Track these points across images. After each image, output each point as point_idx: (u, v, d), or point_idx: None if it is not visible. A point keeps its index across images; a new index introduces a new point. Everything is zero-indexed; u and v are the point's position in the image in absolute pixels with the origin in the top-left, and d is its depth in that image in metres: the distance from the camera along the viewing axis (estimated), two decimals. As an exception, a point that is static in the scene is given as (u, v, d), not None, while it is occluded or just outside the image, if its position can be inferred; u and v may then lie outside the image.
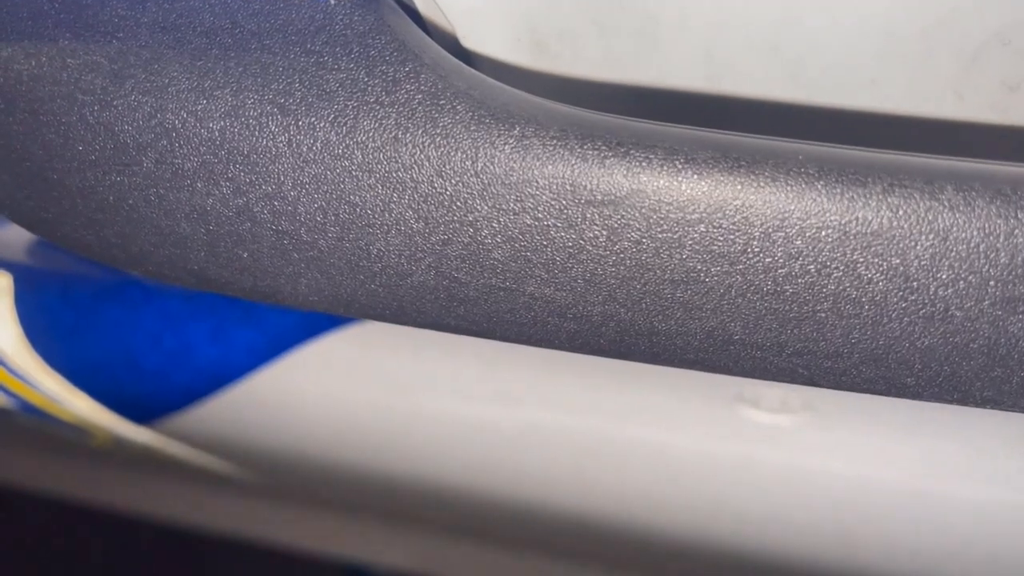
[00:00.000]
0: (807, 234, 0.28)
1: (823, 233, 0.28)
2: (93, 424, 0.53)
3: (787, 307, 0.29)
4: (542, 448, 0.47)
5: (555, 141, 0.29)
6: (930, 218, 0.28)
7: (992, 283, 0.28)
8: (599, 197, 0.29)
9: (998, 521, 0.42)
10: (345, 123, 0.30)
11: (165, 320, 0.48)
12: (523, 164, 0.29)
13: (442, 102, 0.30)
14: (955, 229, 0.28)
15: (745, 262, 0.29)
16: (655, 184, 0.29)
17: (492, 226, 0.30)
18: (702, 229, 0.29)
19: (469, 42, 0.35)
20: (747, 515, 0.46)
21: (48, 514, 0.82)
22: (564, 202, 0.29)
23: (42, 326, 0.49)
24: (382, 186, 0.30)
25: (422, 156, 0.30)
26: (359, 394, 0.48)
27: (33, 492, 0.79)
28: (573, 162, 0.29)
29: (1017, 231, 0.27)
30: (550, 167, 0.29)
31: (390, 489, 0.53)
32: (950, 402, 0.30)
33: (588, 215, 0.29)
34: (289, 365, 0.47)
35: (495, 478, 0.49)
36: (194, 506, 0.75)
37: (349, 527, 0.71)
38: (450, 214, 0.30)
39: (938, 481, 0.42)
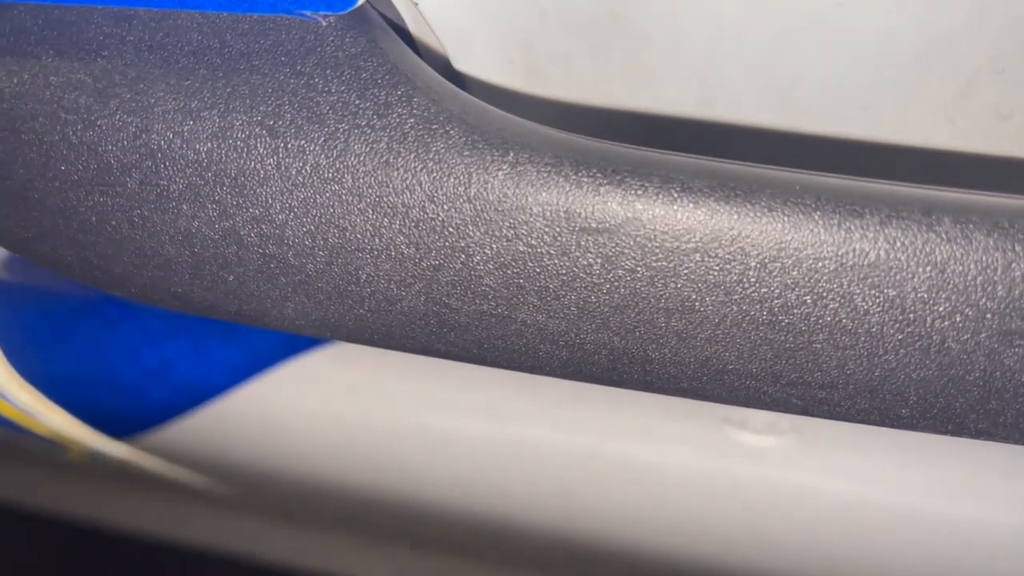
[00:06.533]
0: (803, 265, 0.28)
1: (820, 264, 0.28)
2: (69, 439, 0.53)
3: (782, 337, 0.29)
4: (526, 467, 0.46)
5: (549, 168, 0.29)
6: (927, 250, 0.27)
7: (989, 316, 0.28)
8: (594, 224, 0.29)
9: (983, 544, 0.42)
10: (335, 146, 0.29)
11: (144, 336, 0.47)
12: (517, 190, 0.29)
13: (435, 126, 0.29)
14: (952, 261, 0.27)
15: (741, 292, 0.29)
16: (650, 212, 0.28)
17: (485, 252, 0.30)
18: (697, 258, 0.28)
19: (461, 64, 0.34)
20: (734, 536, 0.46)
21: (20, 527, 0.81)
22: (558, 229, 0.29)
23: (18, 340, 0.48)
24: (372, 211, 0.30)
25: (414, 181, 0.29)
26: (338, 412, 0.47)
27: (5, 505, 0.78)
28: (568, 189, 0.28)
29: (1014, 264, 0.27)
30: (544, 194, 0.29)
31: (368, 507, 0.53)
32: (944, 433, 0.30)
33: (582, 242, 0.29)
34: (268, 383, 0.47)
35: (479, 497, 0.49)
36: (170, 520, 0.74)
37: (326, 543, 0.71)
38: (442, 240, 0.30)
39: (924, 503, 0.42)
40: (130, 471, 0.57)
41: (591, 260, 0.29)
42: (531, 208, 0.29)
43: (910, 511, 0.43)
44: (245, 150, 0.30)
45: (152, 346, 0.47)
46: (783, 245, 0.28)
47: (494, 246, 0.29)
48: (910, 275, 0.28)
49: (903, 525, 0.43)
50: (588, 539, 0.49)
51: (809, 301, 0.28)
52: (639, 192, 0.28)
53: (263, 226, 0.30)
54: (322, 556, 0.72)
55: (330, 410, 0.47)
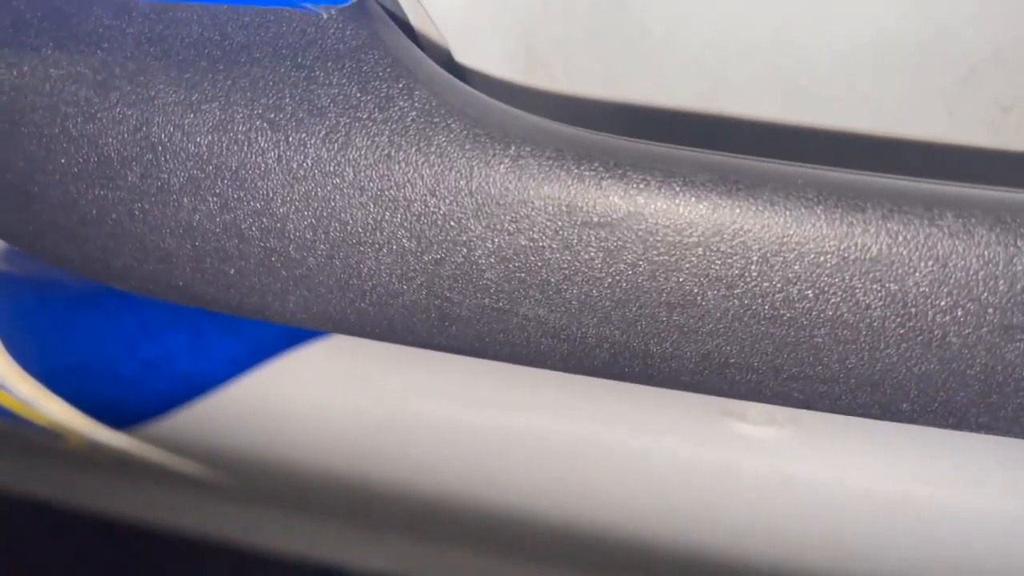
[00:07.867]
0: (805, 259, 0.28)
1: (821, 258, 0.28)
2: (68, 429, 0.53)
3: (784, 332, 0.29)
4: (524, 458, 0.46)
5: (551, 161, 0.29)
6: (929, 244, 0.27)
7: (990, 310, 0.28)
8: (595, 218, 0.29)
9: (983, 532, 0.42)
10: (337, 140, 0.29)
11: (143, 327, 0.47)
12: (519, 184, 0.29)
13: (436, 120, 0.29)
14: (954, 256, 0.27)
15: (742, 286, 0.29)
16: (652, 206, 0.28)
17: (486, 246, 0.29)
18: (699, 252, 0.28)
19: (462, 56, 0.34)
20: (733, 527, 0.46)
21: (18, 517, 0.81)
22: (560, 223, 0.29)
23: (18, 330, 0.48)
24: (374, 204, 0.29)
25: (415, 174, 0.29)
26: (339, 403, 0.47)
27: (3, 495, 0.78)
28: (569, 183, 0.28)
29: (1016, 259, 0.27)
30: (546, 187, 0.29)
31: (368, 497, 0.53)
32: (945, 427, 0.30)
33: (584, 236, 0.29)
34: (268, 374, 0.47)
35: (478, 488, 0.49)
36: (170, 511, 0.74)
37: (326, 533, 0.71)
38: (443, 233, 0.30)
39: (923, 493, 0.42)
40: (129, 461, 0.57)
41: (593, 254, 0.29)
42: (533, 202, 0.29)
43: (908, 502, 0.43)
44: (246, 143, 0.30)
45: (152, 337, 0.47)
46: (785, 239, 0.28)
47: (496, 240, 0.29)
48: (912, 270, 0.28)
49: (901, 516, 0.43)
50: (586, 530, 0.49)
51: (811, 295, 0.28)
52: (641, 186, 0.28)
53: (264, 219, 0.30)
54: (321, 546, 0.72)
55: (330, 401, 0.47)
